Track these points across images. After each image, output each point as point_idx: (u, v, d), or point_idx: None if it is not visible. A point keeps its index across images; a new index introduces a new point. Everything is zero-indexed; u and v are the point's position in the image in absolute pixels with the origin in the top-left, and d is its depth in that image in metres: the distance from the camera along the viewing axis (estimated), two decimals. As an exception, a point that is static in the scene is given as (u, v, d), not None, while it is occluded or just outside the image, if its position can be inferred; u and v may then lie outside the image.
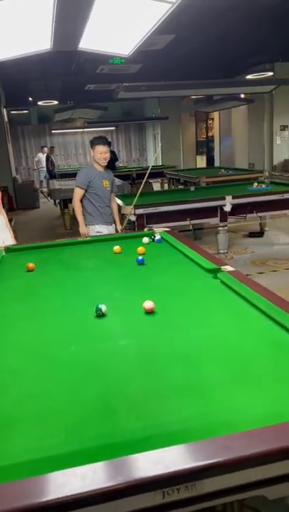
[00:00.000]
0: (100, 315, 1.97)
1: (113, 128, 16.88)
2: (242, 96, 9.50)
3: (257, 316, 1.87)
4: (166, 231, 3.66)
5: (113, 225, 4.66)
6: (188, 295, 2.21)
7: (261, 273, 5.09)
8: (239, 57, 9.13)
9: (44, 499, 0.92)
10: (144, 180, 4.86)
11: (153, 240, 3.47)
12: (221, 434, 1.07)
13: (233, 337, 1.70)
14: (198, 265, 2.64)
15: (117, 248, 3.15)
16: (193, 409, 1.24)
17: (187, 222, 5.69)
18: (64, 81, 11.95)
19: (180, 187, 9.52)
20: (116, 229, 4.68)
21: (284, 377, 1.38)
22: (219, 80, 5.86)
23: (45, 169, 15.00)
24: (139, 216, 5.36)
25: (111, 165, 13.71)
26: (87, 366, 1.55)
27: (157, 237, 3.51)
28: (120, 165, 15.09)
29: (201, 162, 15.61)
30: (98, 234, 4.39)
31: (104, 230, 4.52)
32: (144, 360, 1.56)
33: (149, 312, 1.96)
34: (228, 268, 2.47)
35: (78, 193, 4.44)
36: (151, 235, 3.55)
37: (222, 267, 2.49)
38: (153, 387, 1.38)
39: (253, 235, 7.05)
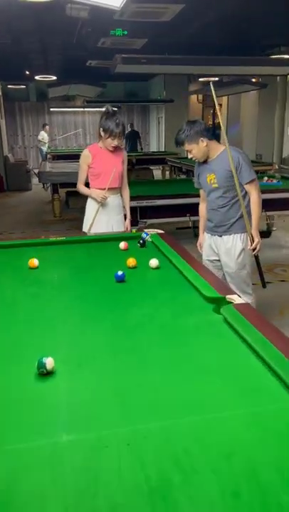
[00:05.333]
0: (44, 373, 1.33)
1: (115, 109, 16.07)
2: (254, 80, 8.76)
3: (271, 383, 1.25)
4: (158, 234, 3.00)
5: (236, 235, 2.97)
6: (177, 341, 1.56)
7: (268, 282, 4.44)
8: (254, 38, 8.40)
9: None
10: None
11: (142, 245, 2.82)
12: None
13: (236, 422, 1.08)
14: (195, 289, 2.00)
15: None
16: None
17: (187, 219, 5.05)
18: (64, 55, 11.19)
19: (182, 177, 8.84)
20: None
21: None
22: (231, 57, 5.16)
23: (45, 147, 14.25)
24: (131, 209, 4.68)
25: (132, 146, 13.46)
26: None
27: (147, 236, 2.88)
28: (121, 148, 14.33)
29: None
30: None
31: (207, 242, 3.16)
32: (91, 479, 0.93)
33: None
34: (236, 299, 1.82)
35: (200, 194, 3.27)
36: (139, 239, 2.90)
37: (227, 297, 1.84)
38: None
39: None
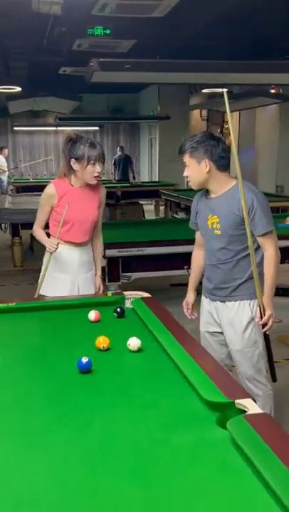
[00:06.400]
0: None
1: (96, 128, 16.29)
2: (272, 91, 8.85)
3: None
4: (142, 298, 2.80)
5: (243, 302, 2.79)
6: (157, 483, 1.28)
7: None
8: (271, 39, 8.50)
9: None
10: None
11: (120, 314, 2.61)
12: None
13: None
14: (191, 387, 1.76)
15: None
16: None
17: (184, 272, 4.88)
18: (32, 62, 11.33)
19: (179, 215, 8.77)
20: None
21: None
22: (242, 62, 5.13)
23: (5, 176, 14.40)
24: (111, 260, 4.52)
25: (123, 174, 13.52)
26: None
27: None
28: (103, 178, 14.35)
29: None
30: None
31: (205, 309, 2.99)
32: None
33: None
34: (249, 406, 1.58)
35: (196, 238, 3.12)
36: (118, 305, 2.69)
37: (237, 402, 1.60)
38: None
39: (281, 291, 6.18)
